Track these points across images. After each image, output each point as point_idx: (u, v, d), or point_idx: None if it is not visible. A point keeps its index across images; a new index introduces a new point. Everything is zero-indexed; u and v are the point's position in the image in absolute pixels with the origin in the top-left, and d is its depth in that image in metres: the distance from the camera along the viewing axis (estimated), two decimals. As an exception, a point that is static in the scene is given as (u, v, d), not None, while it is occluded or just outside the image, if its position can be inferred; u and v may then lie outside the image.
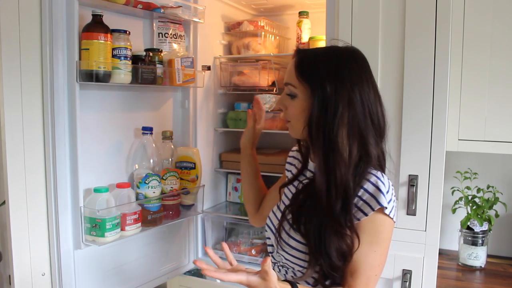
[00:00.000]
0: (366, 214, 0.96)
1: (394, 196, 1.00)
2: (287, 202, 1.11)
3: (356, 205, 0.96)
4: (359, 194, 0.97)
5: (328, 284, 0.99)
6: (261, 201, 1.34)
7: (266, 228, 1.18)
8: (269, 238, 1.17)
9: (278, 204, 1.18)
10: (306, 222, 1.01)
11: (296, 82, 1.01)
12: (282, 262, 1.09)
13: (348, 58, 1.01)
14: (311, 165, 1.11)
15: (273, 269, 1.12)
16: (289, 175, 1.21)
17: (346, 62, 0.99)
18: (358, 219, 0.96)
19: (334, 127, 0.95)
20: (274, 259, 1.13)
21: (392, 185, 1.01)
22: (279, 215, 1.12)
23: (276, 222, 1.12)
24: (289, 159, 1.25)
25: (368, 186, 0.97)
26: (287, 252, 1.05)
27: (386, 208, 0.96)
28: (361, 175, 0.97)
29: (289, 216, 1.05)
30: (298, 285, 0.95)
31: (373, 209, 0.95)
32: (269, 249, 1.17)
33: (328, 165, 0.96)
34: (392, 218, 0.98)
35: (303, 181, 1.09)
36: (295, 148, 1.23)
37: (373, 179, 0.97)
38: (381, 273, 0.98)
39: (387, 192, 0.97)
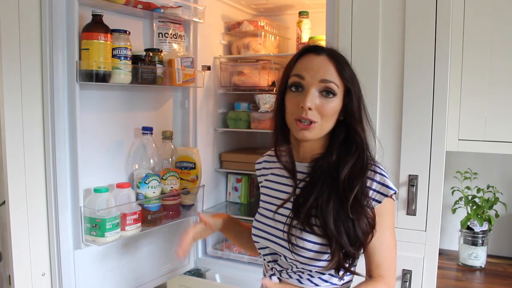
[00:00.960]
0: (379, 202, 1.02)
1: None
2: (283, 211, 1.09)
3: (367, 195, 1.02)
4: (367, 184, 1.02)
5: (348, 266, 1.01)
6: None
7: (258, 239, 1.14)
8: (264, 248, 1.13)
9: (260, 212, 1.15)
10: (324, 219, 1.00)
11: (338, 81, 1.03)
12: (296, 268, 1.06)
13: None
14: (301, 167, 1.10)
15: (281, 275, 1.09)
16: (267, 184, 1.19)
17: None
18: (372, 208, 1.01)
19: (367, 118, 1.08)
20: (281, 266, 1.10)
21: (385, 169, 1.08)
22: (269, 222, 1.10)
23: (271, 231, 1.09)
24: (261, 171, 1.25)
25: (375, 176, 1.03)
26: (303, 256, 1.03)
27: (396, 192, 1.04)
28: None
29: (295, 223, 1.03)
30: None
31: (386, 196, 1.02)
32: (268, 258, 1.13)
33: (364, 158, 1.04)
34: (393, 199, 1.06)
35: (298, 186, 1.08)
36: (262, 159, 1.27)
37: (377, 170, 1.04)
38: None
39: (389, 177, 1.05)
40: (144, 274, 1.75)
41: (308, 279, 1.06)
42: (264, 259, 1.16)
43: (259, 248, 1.16)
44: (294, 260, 1.05)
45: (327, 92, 1.01)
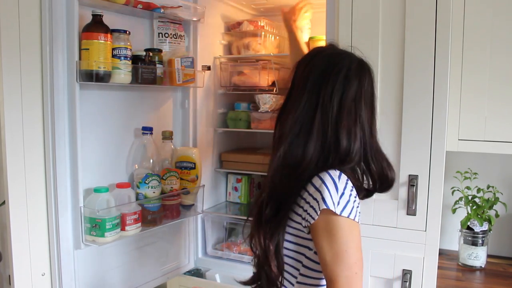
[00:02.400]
0: (313, 218, 0.91)
1: (351, 195, 0.93)
2: None
3: (303, 208, 0.94)
4: (303, 196, 0.94)
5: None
6: None
7: None
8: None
9: None
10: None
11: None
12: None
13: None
14: None
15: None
16: None
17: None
18: (309, 223, 0.92)
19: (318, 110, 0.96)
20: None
21: (347, 183, 0.93)
22: None
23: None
24: None
25: (310, 188, 0.93)
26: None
27: (333, 210, 0.89)
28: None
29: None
30: None
31: (317, 213, 0.90)
32: None
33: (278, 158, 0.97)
34: (348, 218, 0.91)
35: None
36: None
37: (317, 182, 0.92)
38: (362, 270, 0.92)
39: (338, 193, 0.91)
40: (144, 274, 1.75)
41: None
42: None
43: None
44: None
45: None
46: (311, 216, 0.91)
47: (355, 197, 0.95)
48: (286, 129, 0.96)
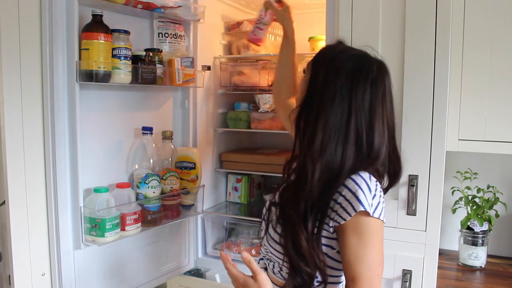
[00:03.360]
0: (344, 219, 0.92)
1: (381, 197, 0.96)
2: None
3: (333, 209, 0.93)
4: (334, 197, 0.93)
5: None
6: (288, 86, 1.45)
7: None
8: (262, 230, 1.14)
9: None
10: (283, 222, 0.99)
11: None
12: (268, 255, 1.07)
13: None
14: None
15: (260, 260, 1.11)
16: None
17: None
18: (338, 223, 0.93)
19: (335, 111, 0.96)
20: (263, 252, 1.12)
21: (376, 185, 0.95)
22: None
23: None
24: None
25: (343, 190, 0.93)
26: (271, 246, 1.04)
27: (368, 211, 0.91)
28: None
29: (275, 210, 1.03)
30: None
31: (350, 214, 0.91)
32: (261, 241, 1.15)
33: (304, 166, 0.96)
34: (378, 218, 0.93)
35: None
36: None
37: (350, 184, 0.92)
38: (382, 272, 0.94)
39: (371, 194, 0.92)
40: (144, 274, 1.75)
41: (279, 272, 1.06)
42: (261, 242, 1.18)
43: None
44: (265, 246, 1.08)
45: None
46: (341, 217, 0.92)
47: (381, 196, 0.96)
48: (318, 137, 0.94)
